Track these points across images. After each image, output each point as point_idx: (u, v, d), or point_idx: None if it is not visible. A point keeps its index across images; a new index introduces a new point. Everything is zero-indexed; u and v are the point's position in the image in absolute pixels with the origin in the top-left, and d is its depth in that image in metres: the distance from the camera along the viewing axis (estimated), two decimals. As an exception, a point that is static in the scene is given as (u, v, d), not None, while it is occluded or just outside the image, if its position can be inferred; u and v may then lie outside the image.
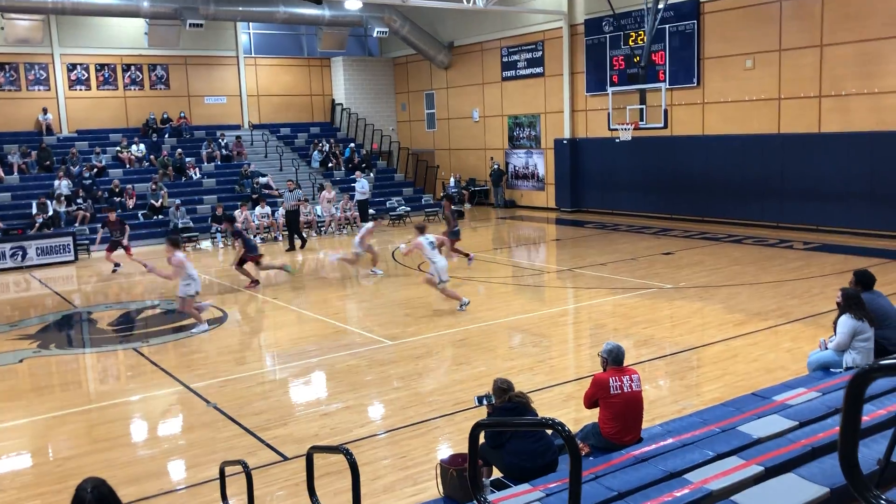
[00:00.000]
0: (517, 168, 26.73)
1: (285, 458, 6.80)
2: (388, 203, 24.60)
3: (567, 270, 15.56)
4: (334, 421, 7.70)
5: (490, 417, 5.21)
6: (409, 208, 24.42)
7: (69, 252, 18.80)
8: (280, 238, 21.20)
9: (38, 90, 25.25)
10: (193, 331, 11.53)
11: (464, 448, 6.19)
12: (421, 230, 12.80)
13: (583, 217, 23.54)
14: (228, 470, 5.54)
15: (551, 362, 9.46)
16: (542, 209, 25.59)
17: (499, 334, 10.89)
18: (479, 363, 9.39)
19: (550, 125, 25.13)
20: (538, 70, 25.20)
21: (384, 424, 7.66)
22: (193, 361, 10.16)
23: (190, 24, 22.90)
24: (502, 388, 5.38)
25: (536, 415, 5.39)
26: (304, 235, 20.28)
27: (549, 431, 5.52)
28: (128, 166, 24.34)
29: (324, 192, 22.67)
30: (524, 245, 20.15)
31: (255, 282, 14.98)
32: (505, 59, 26.32)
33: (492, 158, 27.14)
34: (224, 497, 5.41)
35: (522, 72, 25.78)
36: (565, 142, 24.40)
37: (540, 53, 25.04)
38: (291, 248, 19.56)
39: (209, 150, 25.88)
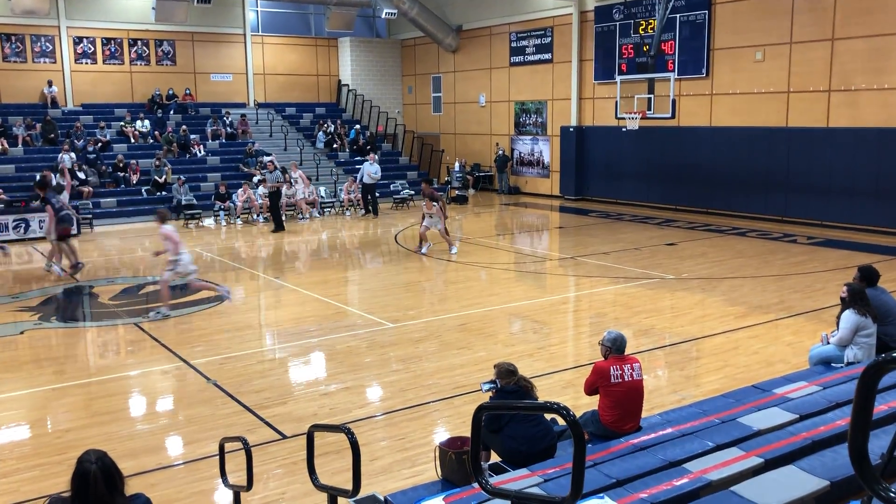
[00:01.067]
0: (522, 154, 26.65)
1: (284, 437, 6.81)
2: (391, 186, 24.55)
3: (569, 258, 15.54)
4: (333, 401, 7.71)
5: (493, 400, 5.19)
6: (413, 192, 24.36)
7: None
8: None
9: (44, 62, 25.15)
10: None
11: (462, 431, 6.20)
12: (163, 218, 11.34)
13: (587, 205, 23.48)
14: (228, 446, 5.55)
15: (551, 349, 9.45)
16: (547, 196, 25.53)
17: (499, 320, 10.89)
18: (479, 348, 9.39)
19: (557, 112, 25.02)
20: (546, 56, 25.06)
21: (383, 406, 7.66)
22: (194, 338, 10.16)
23: (198, 1, 22.75)
24: (510, 370, 5.37)
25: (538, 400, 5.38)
26: (283, 218, 19.60)
27: (549, 417, 5.52)
28: (132, 141, 24.28)
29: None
30: (527, 232, 20.12)
31: (78, 264, 13.77)
32: (513, 45, 26.18)
33: (497, 144, 27.05)
34: (223, 473, 5.42)
35: (530, 58, 25.65)
36: (571, 129, 24.30)
37: (549, 40, 24.89)
38: (279, 229, 19.02)
39: (214, 127, 25.81)
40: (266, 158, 24.04)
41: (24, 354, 9.73)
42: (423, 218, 15.87)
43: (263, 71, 29.03)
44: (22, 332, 10.49)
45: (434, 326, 10.44)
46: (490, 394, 5.35)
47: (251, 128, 26.65)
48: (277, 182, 19.15)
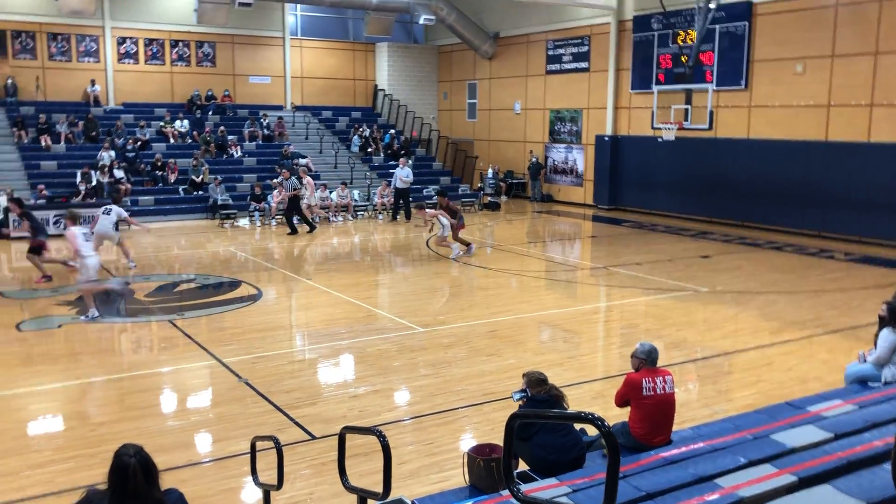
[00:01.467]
0: (556, 162, 26.56)
1: (313, 437, 6.85)
2: (424, 191, 24.61)
3: (601, 268, 15.45)
4: (362, 403, 7.75)
5: (525, 409, 5.18)
6: (445, 197, 24.33)
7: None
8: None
9: (88, 62, 25.66)
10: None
11: (490, 438, 6.19)
12: (73, 219, 11.25)
13: (620, 215, 23.32)
14: (259, 445, 5.60)
15: (581, 359, 9.41)
16: (580, 205, 25.40)
17: (529, 328, 10.86)
18: (508, 355, 9.37)
19: (592, 121, 24.91)
20: (583, 65, 24.98)
21: (411, 410, 7.68)
22: (226, 336, 10.27)
23: (239, 4, 23.06)
24: (540, 379, 5.35)
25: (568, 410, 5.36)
26: (311, 221, 19.85)
27: (578, 427, 5.49)
28: (171, 141, 24.64)
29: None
30: (559, 240, 20.04)
31: (47, 277, 13.46)
32: (550, 53, 26.13)
33: (531, 151, 27.00)
34: (254, 471, 5.47)
35: (567, 66, 25.58)
36: (607, 138, 24.18)
37: (586, 48, 24.81)
38: (293, 231, 19.18)
39: (251, 129, 26.10)
40: (302, 161, 24.31)
41: (60, 348, 9.92)
42: (432, 227, 16.25)
43: (301, 74, 29.31)
44: (59, 326, 10.70)
45: (463, 332, 10.44)
46: (520, 403, 5.34)
47: (287, 130, 26.91)
48: (295, 189, 19.41)
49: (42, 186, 19.85)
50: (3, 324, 10.68)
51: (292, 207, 19.37)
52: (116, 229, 14.89)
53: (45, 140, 22.47)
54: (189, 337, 10.13)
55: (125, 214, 15.42)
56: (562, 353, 9.60)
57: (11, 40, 24.45)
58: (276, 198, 20.49)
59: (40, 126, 22.85)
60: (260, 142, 25.85)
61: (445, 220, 15.87)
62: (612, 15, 23.52)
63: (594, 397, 7.88)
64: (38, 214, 15.57)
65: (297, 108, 28.73)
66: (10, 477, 6.11)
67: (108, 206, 15.07)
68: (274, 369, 8.84)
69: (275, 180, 21.23)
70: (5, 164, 21.41)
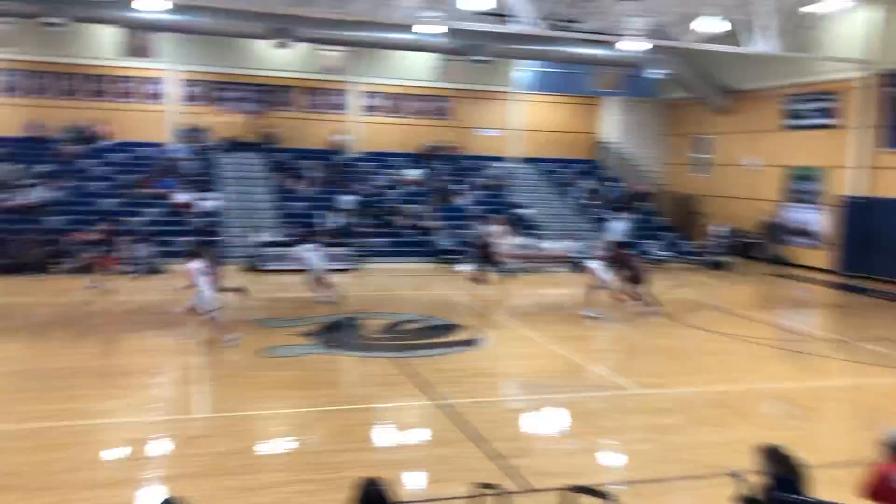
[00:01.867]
0: (792, 223, 24.82)
1: (527, 490, 6.84)
2: (644, 246, 24.01)
3: (842, 341, 14.13)
4: (575, 461, 7.63)
5: (776, 492, 4.82)
6: (668, 254, 23.63)
7: (347, 261, 20.54)
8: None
9: (335, 113, 28.13)
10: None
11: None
12: (195, 256, 12.67)
13: (867, 284, 21.23)
14: (474, 490, 5.69)
15: (818, 440, 8.63)
16: (818, 270, 23.47)
17: (757, 400, 10.14)
18: (734, 427, 8.81)
19: (836, 181, 23.06)
20: (826, 121, 23.28)
21: (629, 475, 7.45)
22: (447, 378, 10.58)
23: (474, 61, 24.19)
24: (785, 455, 4.98)
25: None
26: (500, 267, 20.03)
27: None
28: (404, 188, 26.19)
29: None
30: (792, 306, 18.63)
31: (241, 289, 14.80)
32: (788, 108, 24.66)
33: (764, 211, 25.48)
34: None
35: (807, 121, 23.97)
36: (853, 200, 22.25)
37: (829, 104, 23.13)
38: (483, 279, 19.23)
39: (477, 179, 27.07)
40: (520, 211, 24.76)
41: (297, 376, 10.74)
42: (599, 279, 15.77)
43: (527, 126, 30.04)
44: (299, 356, 11.63)
45: (684, 398, 9.98)
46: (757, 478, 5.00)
47: (512, 181, 27.57)
48: (492, 235, 19.87)
49: (287, 226, 21.82)
50: (253, 349, 11.83)
51: (489, 253, 19.89)
52: (322, 265, 16.20)
53: (294, 183, 24.80)
54: (411, 376, 10.56)
55: (307, 255, 16.46)
56: (795, 431, 8.86)
57: (272, 94, 27.43)
58: (489, 245, 20.63)
59: (291, 170, 25.29)
60: (485, 191, 26.71)
61: (605, 274, 15.45)
62: (860, 69, 21.80)
63: (835, 485, 7.17)
64: (286, 250, 17.15)
65: (522, 160, 29.39)
66: (248, 492, 6.68)
67: (316, 244, 16.54)
68: (491, 415, 8.97)
69: (485, 227, 21.80)
70: (261, 204, 23.86)
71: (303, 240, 17.31)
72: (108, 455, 7.65)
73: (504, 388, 10.66)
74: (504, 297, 17.94)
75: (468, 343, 12.67)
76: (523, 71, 29.84)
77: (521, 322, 15.07)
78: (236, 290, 14.66)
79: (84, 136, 24.79)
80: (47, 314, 14.53)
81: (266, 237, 21.16)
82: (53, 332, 12.84)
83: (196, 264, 12.42)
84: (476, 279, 19.21)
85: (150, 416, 8.69)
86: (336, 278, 16.48)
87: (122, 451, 7.63)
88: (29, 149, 23.79)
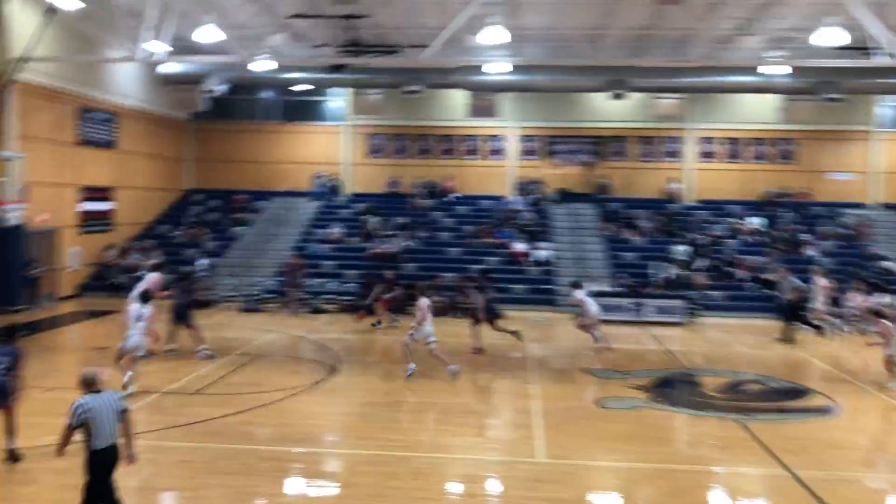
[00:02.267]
0: None
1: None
2: None
3: None
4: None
5: None
6: None
7: (681, 314, 19.86)
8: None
9: (669, 161, 27.63)
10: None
11: None
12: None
13: None
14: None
15: None
16: None
17: None
18: None
19: None
20: None
21: None
22: (793, 446, 9.64)
23: (826, 99, 22.26)
24: None
25: None
26: (816, 324, 17.90)
27: None
28: (744, 237, 24.73)
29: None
30: None
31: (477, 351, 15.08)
32: None
33: None
34: None
35: None
36: None
37: None
38: (789, 339, 17.41)
39: (828, 227, 24.63)
40: (885, 264, 21.95)
41: (632, 431, 10.50)
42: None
43: (888, 168, 26.72)
44: (634, 408, 11.42)
45: None
46: None
47: (870, 230, 24.62)
48: (794, 289, 17.69)
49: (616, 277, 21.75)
50: (590, 399, 11.92)
51: (795, 308, 17.89)
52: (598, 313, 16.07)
53: (628, 233, 24.73)
54: (757, 440, 9.79)
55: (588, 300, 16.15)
56: None
57: (605, 145, 27.80)
58: (804, 300, 18.63)
59: (623, 220, 25.28)
60: (838, 241, 24.18)
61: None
62: None
63: None
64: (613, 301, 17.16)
65: (885, 207, 26.16)
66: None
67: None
68: (848, 493, 7.97)
69: (815, 279, 19.52)
70: (592, 255, 24.13)
71: (633, 291, 17.18)
72: (454, 488, 8.18)
73: (866, 464, 9.40)
74: (855, 360, 15.93)
75: (819, 411, 11.45)
76: (884, 107, 26.74)
77: (886, 389, 13.21)
78: (513, 332, 15.49)
79: (435, 191, 27.37)
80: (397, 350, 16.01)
81: (594, 287, 21.21)
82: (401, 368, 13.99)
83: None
84: (784, 338, 17.54)
85: (489, 455, 9.14)
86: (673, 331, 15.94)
87: (468, 486, 8.12)
88: (390, 203, 26.91)
